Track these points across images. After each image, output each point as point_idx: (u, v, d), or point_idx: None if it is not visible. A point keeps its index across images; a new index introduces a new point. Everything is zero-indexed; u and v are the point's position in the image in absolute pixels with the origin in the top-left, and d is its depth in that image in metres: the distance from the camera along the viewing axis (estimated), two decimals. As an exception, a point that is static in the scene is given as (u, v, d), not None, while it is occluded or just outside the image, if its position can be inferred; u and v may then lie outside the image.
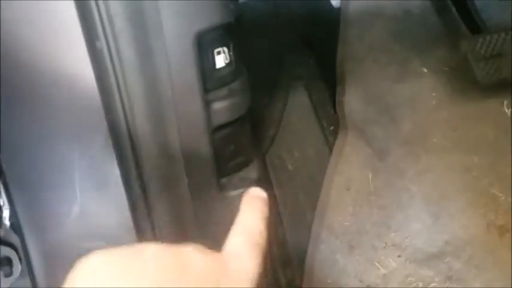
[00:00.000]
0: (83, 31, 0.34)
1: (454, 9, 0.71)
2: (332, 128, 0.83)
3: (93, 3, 0.33)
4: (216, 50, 0.40)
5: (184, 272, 0.29)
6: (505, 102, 0.75)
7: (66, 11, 0.33)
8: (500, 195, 0.72)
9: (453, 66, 0.77)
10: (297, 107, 0.87)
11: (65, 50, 0.36)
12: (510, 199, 0.71)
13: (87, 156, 0.39)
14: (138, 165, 0.40)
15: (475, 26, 0.70)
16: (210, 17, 0.37)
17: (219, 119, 0.42)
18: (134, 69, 0.35)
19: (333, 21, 0.80)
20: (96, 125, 0.38)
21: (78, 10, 0.33)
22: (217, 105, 0.41)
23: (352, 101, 0.81)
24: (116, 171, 0.39)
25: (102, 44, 0.34)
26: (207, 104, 0.40)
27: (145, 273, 0.29)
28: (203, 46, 0.38)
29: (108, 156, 0.38)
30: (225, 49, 0.40)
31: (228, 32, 0.40)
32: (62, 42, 0.35)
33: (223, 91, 0.41)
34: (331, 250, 0.73)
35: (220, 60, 0.40)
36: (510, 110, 0.75)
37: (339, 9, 0.79)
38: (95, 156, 0.39)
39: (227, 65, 0.41)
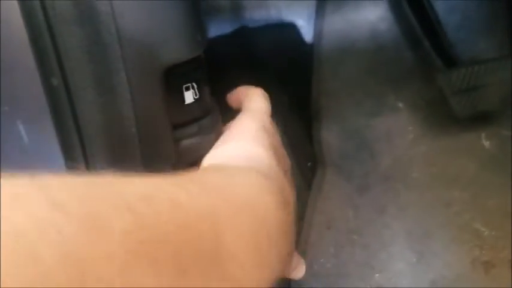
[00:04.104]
0: (37, 66, 0.31)
1: (427, 43, 0.71)
2: (310, 164, 0.81)
3: (47, 37, 0.31)
4: (184, 86, 0.38)
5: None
6: (483, 135, 0.75)
7: (19, 46, 0.31)
8: (483, 229, 0.70)
9: (429, 100, 0.76)
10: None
11: (20, 89, 0.33)
12: (493, 233, 0.70)
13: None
14: None
15: (449, 59, 0.71)
16: (177, 52, 0.35)
17: (189, 158, 0.39)
18: (93, 105, 0.33)
19: (307, 56, 0.79)
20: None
21: (32, 46, 0.31)
22: (187, 143, 0.38)
23: (329, 136, 0.79)
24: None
25: (58, 80, 0.32)
26: (175, 141, 0.37)
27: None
28: (170, 82, 0.36)
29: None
30: (194, 84, 0.38)
31: (197, 67, 0.38)
32: (17, 81, 0.32)
33: (193, 128, 0.39)
34: (313, 294, 0.69)
35: (189, 96, 0.38)
36: (488, 142, 0.75)
37: (312, 45, 0.79)
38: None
39: (196, 100, 0.38)
